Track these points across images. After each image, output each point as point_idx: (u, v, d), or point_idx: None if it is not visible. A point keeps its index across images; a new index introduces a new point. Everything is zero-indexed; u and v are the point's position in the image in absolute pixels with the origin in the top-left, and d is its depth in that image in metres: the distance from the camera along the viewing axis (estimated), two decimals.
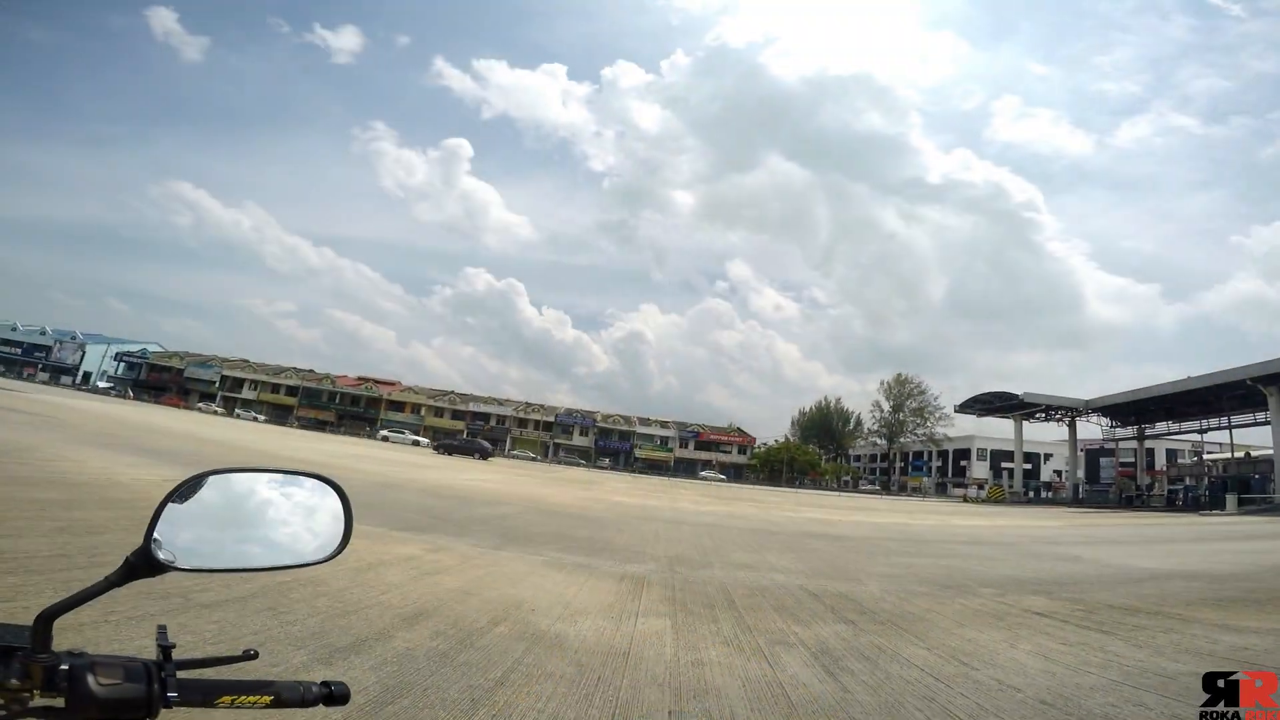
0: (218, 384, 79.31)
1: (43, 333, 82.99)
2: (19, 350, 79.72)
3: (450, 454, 38.22)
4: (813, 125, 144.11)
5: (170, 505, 0.75)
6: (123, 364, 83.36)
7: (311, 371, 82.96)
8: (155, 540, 0.70)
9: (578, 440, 77.20)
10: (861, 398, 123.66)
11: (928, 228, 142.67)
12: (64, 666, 0.63)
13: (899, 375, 78.83)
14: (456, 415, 77.47)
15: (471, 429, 73.95)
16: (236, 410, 71.88)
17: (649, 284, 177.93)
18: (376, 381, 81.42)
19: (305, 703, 0.74)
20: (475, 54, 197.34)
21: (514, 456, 63.58)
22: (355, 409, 77.70)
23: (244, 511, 0.83)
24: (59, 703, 0.63)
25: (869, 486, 72.64)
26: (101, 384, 75.66)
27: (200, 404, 71.40)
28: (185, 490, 0.80)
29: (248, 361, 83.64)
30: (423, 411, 77.39)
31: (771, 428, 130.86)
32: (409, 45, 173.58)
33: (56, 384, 69.75)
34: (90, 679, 0.63)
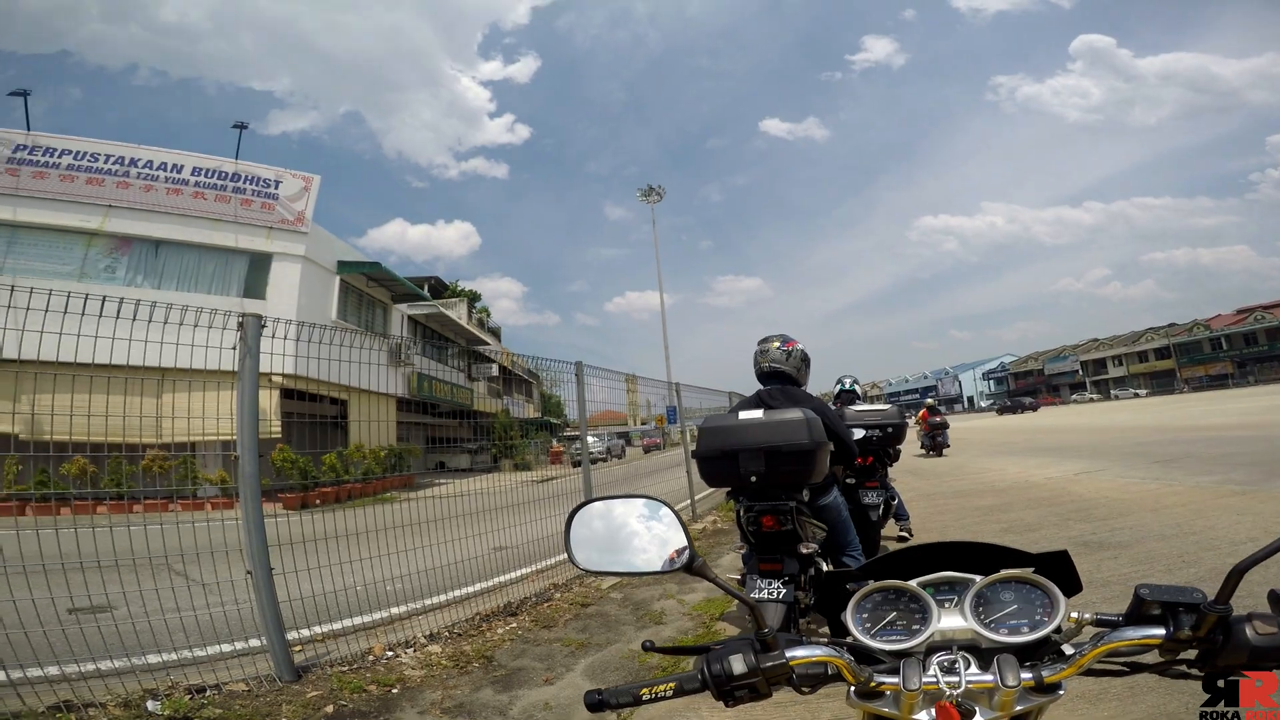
0: (1079, 371, 78.24)
1: (924, 376, 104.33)
2: (917, 394, 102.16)
3: None
4: None
5: None
6: (990, 380, 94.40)
7: (1173, 325, 70.87)
8: None
9: None
10: None
11: None
12: (1229, 618, 0.67)
13: None
14: None
15: None
16: (1113, 391, 68.45)
17: None
18: (1265, 308, 61.59)
19: None
20: None
21: None
22: (1255, 349, 60.44)
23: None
24: (1190, 654, 0.71)
25: None
26: (983, 404, 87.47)
27: (1074, 396, 71.94)
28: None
29: (1098, 340, 79.57)
30: None
31: None
32: None
33: (952, 411, 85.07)
34: (1248, 629, 0.67)
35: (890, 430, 4.92)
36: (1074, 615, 0.76)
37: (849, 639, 0.81)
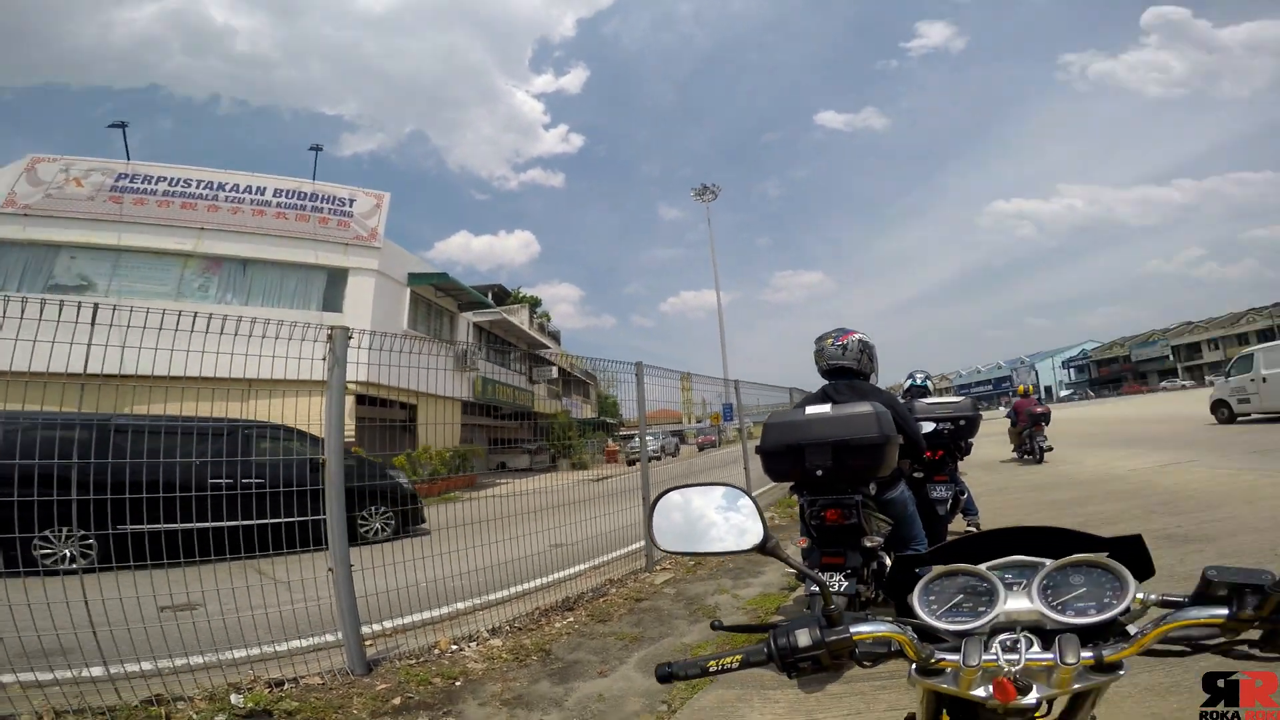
0: (1170, 356, 72.74)
1: (999, 367, 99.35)
2: (990, 385, 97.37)
3: None
4: None
5: None
6: (1070, 369, 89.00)
7: (1278, 305, 64.80)
8: None
9: None
10: None
11: None
12: None
13: None
14: None
15: None
16: (1208, 378, 63.27)
17: None
18: None
19: None
20: None
21: None
22: None
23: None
24: (1254, 635, 0.71)
25: None
26: (1063, 392, 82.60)
27: (1164, 383, 66.98)
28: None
29: (1191, 323, 73.71)
30: None
31: None
32: None
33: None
34: None
35: (962, 423, 4.80)
36: (1139, 596, 0.77)
37: (915, 620, 0.83)
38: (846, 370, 3.34)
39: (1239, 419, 14.95)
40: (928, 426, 4.50)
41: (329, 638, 3.59)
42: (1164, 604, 0.77)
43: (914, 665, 0.78)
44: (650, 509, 1.00)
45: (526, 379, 26.72)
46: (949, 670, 0.76)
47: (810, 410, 2.84)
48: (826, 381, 3.39)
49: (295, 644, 3.53)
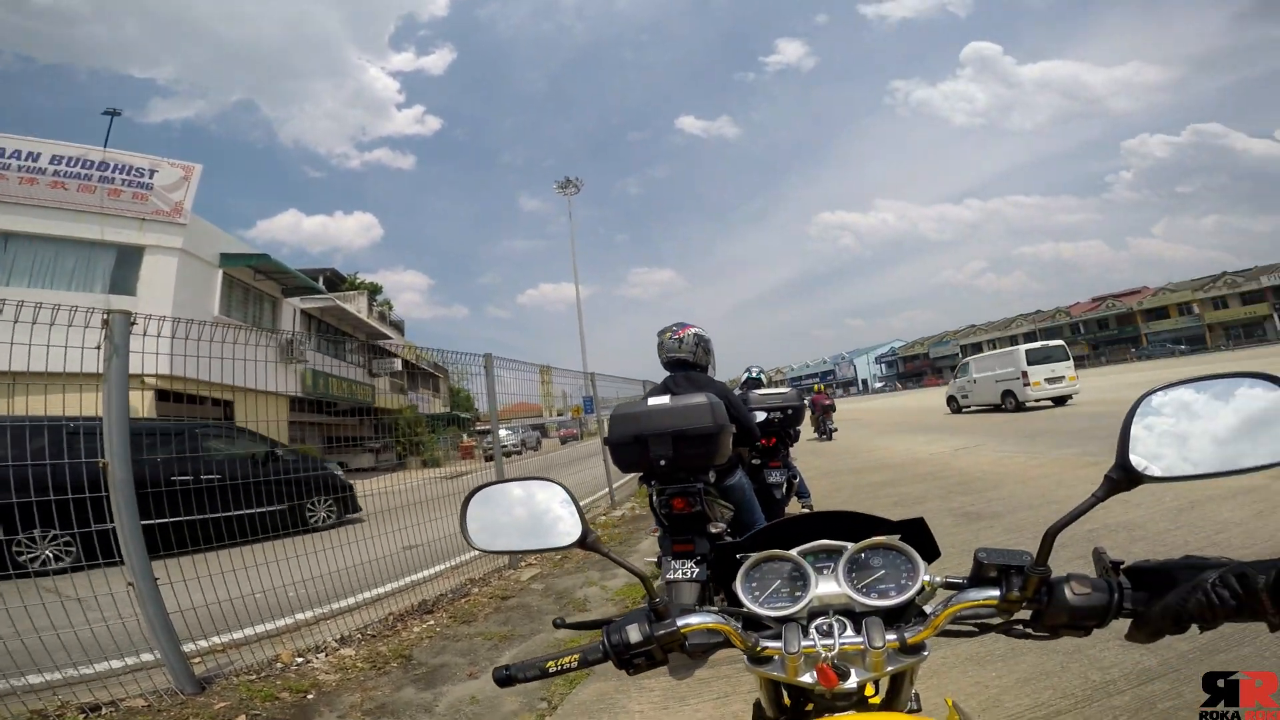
0: (959, 354, 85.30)
1: (824, 362, 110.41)
2: (818, 378, 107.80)
3: None
4: None
5: None
6: (882, 365, 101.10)
7: (1039, 312, 78.83)
8: (1132, 455, 0.73)
9: None
10: None
11: None
12: (1050, 579, 0.73)
13: None
14: (1249, 299, 57.21)
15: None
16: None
17: None
18: (1116, 296, 70.03)
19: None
20: None
21: None
22: (1106, 333, 68.43)
23: None
24: (1025, 614, 0.75)
25: None
26: (876, 385, 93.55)
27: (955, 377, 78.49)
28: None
29: (975, 325, 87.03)
30: (1196, 308, 60.79)
31: None
32: None
33: (848, 394, 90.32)
34: (1066, 589, 0.72)
35: (790, 412, 5.14)
36: (926, 578, 0.81)
37: (743, 609, 0.85)
38: (684, 362, 3.47)
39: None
40: (761, 415, 4.79)
41: (147, 657, 3.13)
42: (948, 585, 0.81)
43: (745, 654, 0.80)
44: (463, 505, 0.95)
45: (366, 372, 24.84)
46: (776, 658, 0.77)
47: (652, 402, 2.90)
48: (668, 374, 3.51)
49: (107, 666, 3.07)
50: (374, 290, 41.54)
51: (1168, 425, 0.74)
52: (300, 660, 3.43)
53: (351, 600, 4.26)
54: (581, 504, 0.93)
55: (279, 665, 3.35)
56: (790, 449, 5.49)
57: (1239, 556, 0.65)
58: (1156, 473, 0.72)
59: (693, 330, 3.52)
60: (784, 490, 5.04)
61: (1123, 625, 0.72)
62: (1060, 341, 18.42)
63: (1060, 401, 17.03)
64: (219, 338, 3.75)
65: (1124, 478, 0.72)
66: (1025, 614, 0.75)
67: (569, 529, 0.89)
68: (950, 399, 21.37)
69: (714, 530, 2.89)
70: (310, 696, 3.01)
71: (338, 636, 3.76)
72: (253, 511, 3.80)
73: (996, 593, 0.74)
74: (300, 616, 3.94)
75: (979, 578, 0.77)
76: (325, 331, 24.14)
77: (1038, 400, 17.12)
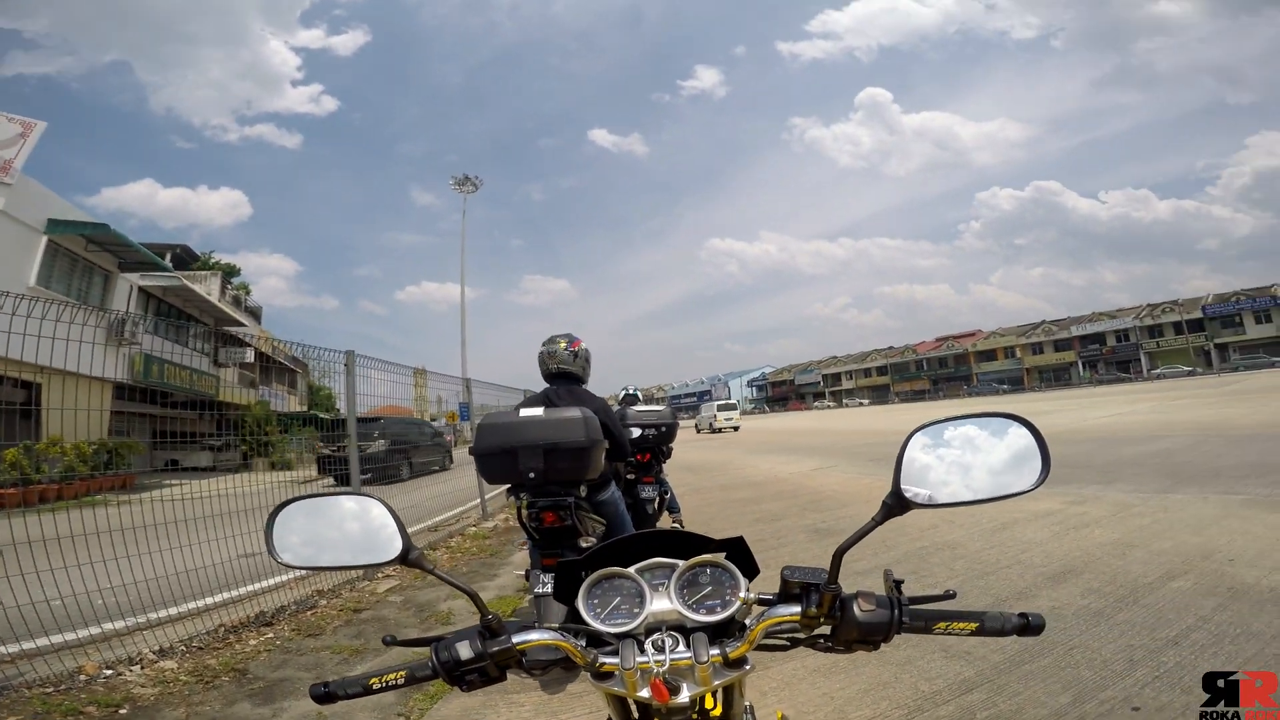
0: (821, 382, 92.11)
1: (702, 382, 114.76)
2: (695, 398, 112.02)
3: None
4: None
5: None
6: (753, 388, 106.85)
7: (891, 348, 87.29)
8: (903, 485, 0.82)
9: (1255, 332, 54.12)
10: None
11: None
12: (841, 596, 0.78)
13: None
14: (1060, 346, 66.90)
15: (1085, 355, 62.75)
16: (844, 400, 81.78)
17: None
18: (955, 337, 79.07)
19: (1003, 631, 0.79)
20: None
21: (1159, 377, 50.32)
22: (945, 370, 76.94)
23: None
24: (825, 629, 0.80)
25: None
26: (747, 407, 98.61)
27: (816, 403, 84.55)
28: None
29: (836, 357, 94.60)
30: (1018, 353, 70.08)
31: None
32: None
33: None
34: (855, 606, 0.78)
35: (664, 429, 5.25)
36: (743, 595, 0.84)
37: (584, 626, 0.85)
38: (570, 375, 3.46)
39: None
40: (636, 432, 4.90)
41: None
42: (760, 601, 0.83)
43: (586, 670, 0.80)
44: (270, 519, 0.90)
45: (212, 361, 22.37)
46: (616, 673, 0.77)
47: (524, 413, 2.85)
48: (548, 385, 3.48)
49: None
50: (230, 272, 37.77)
51: (931, 459, 0.85)
52: (109, 672, 3.04)
53: (174, 610, 3.81)
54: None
55: (83, 678, 2.96)
56: (663, 465, 5.65)
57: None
58: (923, 500, 0.81)
59: (584, 345, 3.52)
60: (656, 505, 5.15)
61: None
62: (734, 399, 25.50)
63: (730, 430, 33.57)
64: (24, 311, 3.27)
65: (898, 504, 0.80)
66: (827, 629, 0.80)
67: (389, 545, 0.86)
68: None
69: (585, 544, 2.85)
70: (124, 711, 2.68)
71: (155, 648, 3.36)
72: None
73: (798, 609, 0.78)
74: (111, 626, 3.48)
75: (786, 594, 0.81)
76: (167, 313, 21.48)
77: (720, 429, 34.00)
